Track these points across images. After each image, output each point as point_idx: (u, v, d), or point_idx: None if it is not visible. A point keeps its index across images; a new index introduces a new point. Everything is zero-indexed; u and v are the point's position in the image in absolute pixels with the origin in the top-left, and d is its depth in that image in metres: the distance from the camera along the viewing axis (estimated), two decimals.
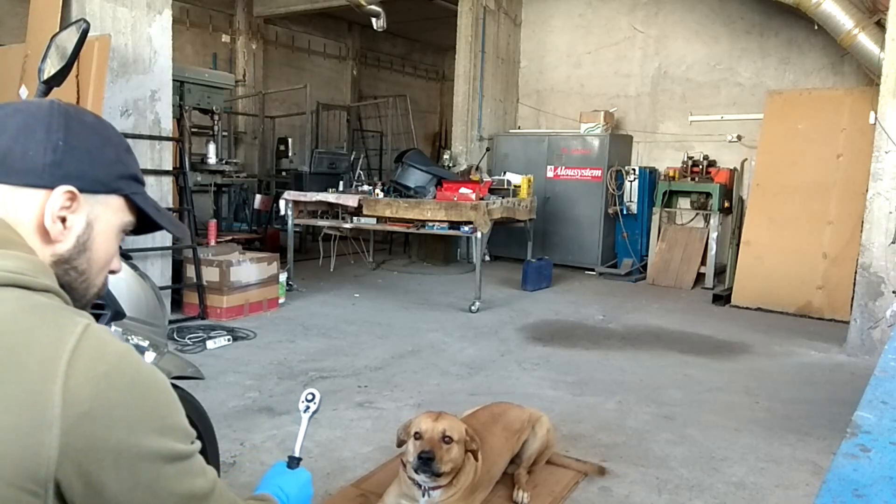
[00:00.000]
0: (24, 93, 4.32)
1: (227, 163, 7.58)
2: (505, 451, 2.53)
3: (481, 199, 6.06)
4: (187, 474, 0.83)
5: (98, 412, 0.74)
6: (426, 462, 2.06)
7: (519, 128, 9.65)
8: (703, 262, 7.63)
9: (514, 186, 7.00)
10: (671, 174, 7.99)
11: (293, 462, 1.31)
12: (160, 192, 5.09)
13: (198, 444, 0.87)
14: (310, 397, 1.39)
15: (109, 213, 0.95)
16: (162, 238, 5.12)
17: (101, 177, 0.93)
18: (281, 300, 5.78)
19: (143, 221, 1.01)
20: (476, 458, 2.22)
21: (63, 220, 0.89)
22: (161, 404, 0.82)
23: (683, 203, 8.11)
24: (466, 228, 5.90)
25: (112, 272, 1.00)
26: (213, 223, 6.24)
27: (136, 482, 0.77)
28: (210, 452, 2.09)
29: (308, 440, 3.00)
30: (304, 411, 1.38)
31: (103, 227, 0.94)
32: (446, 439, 2.10)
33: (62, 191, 0.88)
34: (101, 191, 0.93)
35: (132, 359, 0.81)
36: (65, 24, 4.12)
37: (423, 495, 2.18)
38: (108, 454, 0.75)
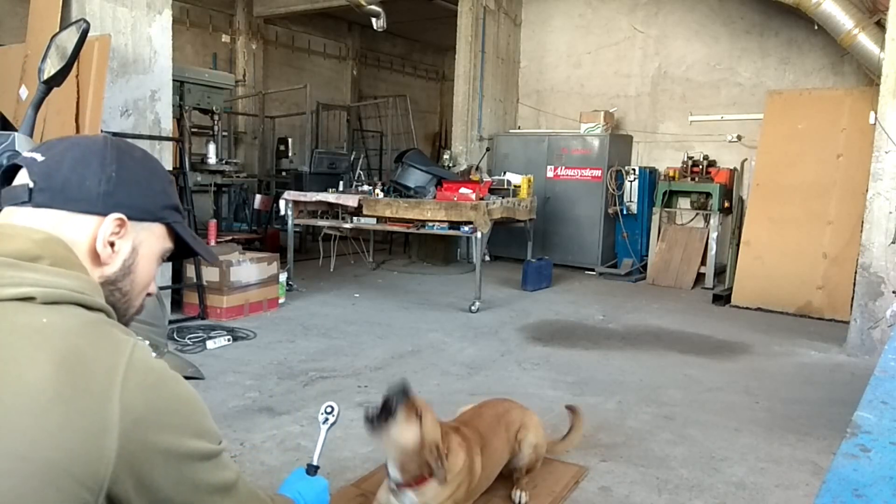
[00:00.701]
0: (24, 93, 4.32)
1: (227, 163, 7.58)
2: (506, 452, 2.53)
3: (481, 199, 6.06)
4: (218, 468, 0.95)
5: (149, 419, 0.84)
6: (403, 390, 1.99)
7: (519, 128, 9.65)
8: (703, 262, 7.63)
9: (514, 186, 6.99)
10: (671, 174, 7.98)
11: (311, 469, 1.40)
12: None
13: (225, 443, 0.97)
14: (329, 410, 1.46)
15: (153, 239, 1.04)
16: None
17: (148, 206, 1.03)
18: (281, 300, 5.78)
19: (180, 248, 1.10)
20: (434, 470, 2.04)
21: (112, 244, 0.98)
22: (197, 411, 0.93)
23: (683, 203, 8.11)
24: (466, 228, 5.90)
25: (149, 294, 1.09)
26: (213, 223, 6.24)
27: (180, 478, 0.88)
28: None
29: (308, 440, 3.02)
30: (324, 423, 1.45)
31: (146, 252, 1.03)
32: (417, 412, 2.00)
33: (113, 218, 0.97)
34: (147, 219, 1.03)
35: (171, 373, 0.91)
36: (65, 24, 4.12)
37: (395, 488, 2.11)
38: (158, 455, 0.85)
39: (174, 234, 1.08)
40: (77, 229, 0.95)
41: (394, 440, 1.97)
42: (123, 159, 1.01)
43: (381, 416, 1.95)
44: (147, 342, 0.98)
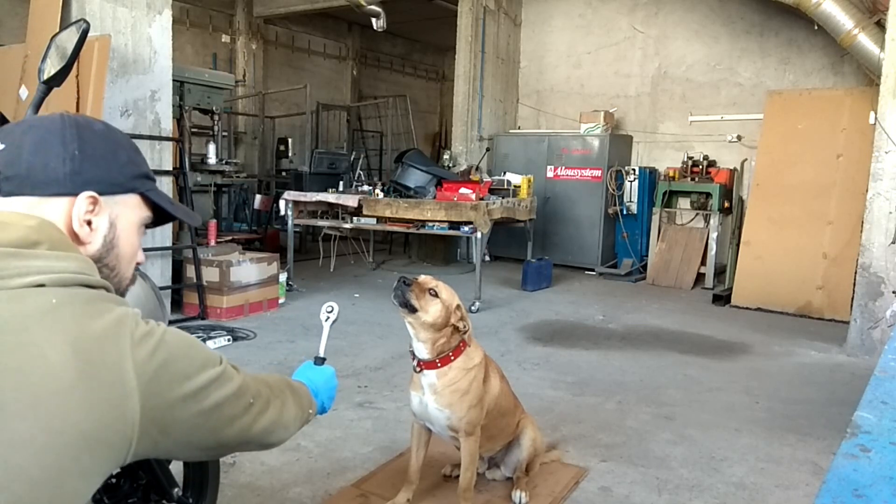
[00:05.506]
0: (24, 93, 4.32)
1: (227, 163, 7.57)
2: (512, 414, 2.53)
3: (481, 199, 6.06)
4: (227, 381, 1.03)
5: (160, 374, 0.91)
6: (404, 282, 2.15)
7: (519, 128, 9.65)
8: (703, 262, 7.63)
9: (514, 186, 6.99)
10: (671, 174, 7.99)
11: (318, 361, 1.54)
12: None
13: (225, 359, 1.05)
14: (329, 309, 1.63)
15: (129, 210, 1.05)
16: (162, 238, 5.12)
17: (118, 179, 1.03)
18: (281, 300, 5.78)
19: (159, 214, 1.12)
20: (461, 331, 2.25)
21: (89, 223, 0.99)
22: (193, 347, 1.00)
23: (683, 203, 8.11)
24: (466, 228, 5.90)
25: (139, 264, 1.12)
26: (213, 223, 6.23)
27: (199, 409, 0.97)
28: None
29: (308, 440, 3.02)
30: (326, 321, 1.62)
31: (125, 224, 1.05)
32: (432, 292, 2.19)
33: (85, 196, 0.98)
34: (118, 191, 1.03)
35: (161, 326, 0.97)
36: (65, 24, 4.12)
37: (418, 370, 2.23)
38: (177, 401, 0.94)
39: (150, 202, 1.09)
40: (51, 213, 0.96)
41: (424, 322, 2.16)
42: (84, 135, 1.00)
43: (406, 309, 2.15)
44: (139, 311, 1.01)
